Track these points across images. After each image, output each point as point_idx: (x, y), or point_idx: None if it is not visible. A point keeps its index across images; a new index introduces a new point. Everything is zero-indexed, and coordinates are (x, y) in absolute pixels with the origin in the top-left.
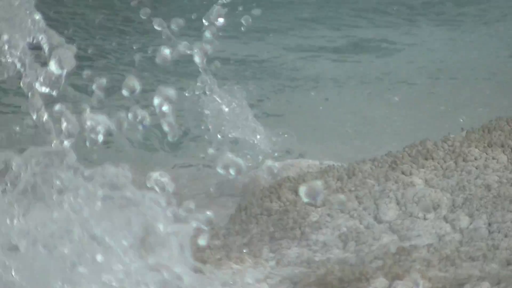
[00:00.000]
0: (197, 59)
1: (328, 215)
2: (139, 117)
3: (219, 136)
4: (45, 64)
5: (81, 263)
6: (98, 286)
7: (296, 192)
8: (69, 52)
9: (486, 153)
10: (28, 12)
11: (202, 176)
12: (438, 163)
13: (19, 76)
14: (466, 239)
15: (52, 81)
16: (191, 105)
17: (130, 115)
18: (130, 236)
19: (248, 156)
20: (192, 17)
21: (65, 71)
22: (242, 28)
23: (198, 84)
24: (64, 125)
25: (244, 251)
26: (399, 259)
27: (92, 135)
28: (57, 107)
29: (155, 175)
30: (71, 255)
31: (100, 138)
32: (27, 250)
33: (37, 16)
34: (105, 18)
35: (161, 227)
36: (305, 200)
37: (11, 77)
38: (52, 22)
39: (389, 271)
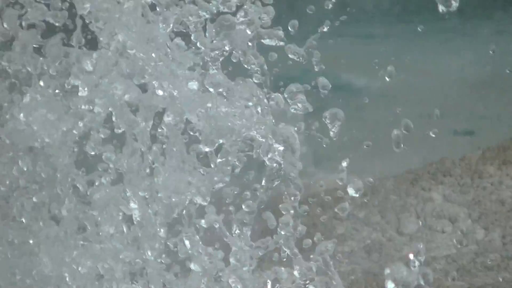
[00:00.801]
0: None
1: (353, 228)
2: None
3: None
4: None
5: None
6: None
7: (322, 206)
8: None
9: (501, 170)
10: None
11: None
12: (456, 179)
13: None
14: (482, 250)
15: None
16: None
17: None
18: None
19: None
20: None
21: None
22: None
23: None
24: None
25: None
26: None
27: None
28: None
29: None
30: None
31: None
32: None
33: None
34: None
35: None
36: None
37: None
38: None
39: None
